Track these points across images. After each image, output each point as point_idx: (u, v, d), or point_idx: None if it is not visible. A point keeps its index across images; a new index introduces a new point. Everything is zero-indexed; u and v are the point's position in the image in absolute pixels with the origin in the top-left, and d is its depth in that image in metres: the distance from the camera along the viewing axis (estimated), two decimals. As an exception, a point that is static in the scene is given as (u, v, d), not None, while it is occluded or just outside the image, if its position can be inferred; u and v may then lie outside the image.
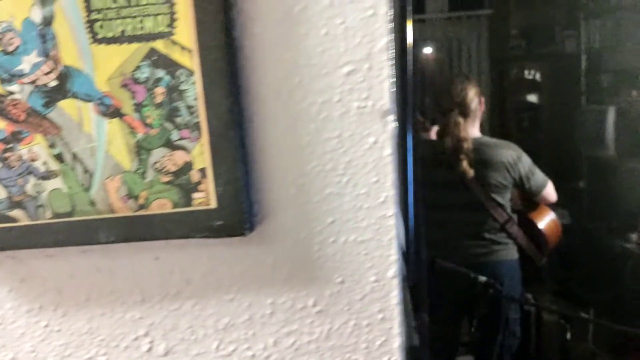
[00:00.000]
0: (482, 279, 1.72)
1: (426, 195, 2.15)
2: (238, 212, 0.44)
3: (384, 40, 0.44)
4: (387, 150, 0.46)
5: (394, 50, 0.45)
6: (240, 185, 0.44)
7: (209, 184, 0.45)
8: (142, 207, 0.45)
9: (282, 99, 0.45)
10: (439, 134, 1.81)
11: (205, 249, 0.47)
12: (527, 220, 1.90)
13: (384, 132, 0.45)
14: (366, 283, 0.48)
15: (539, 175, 1.85)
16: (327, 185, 0.47)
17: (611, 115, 3.44)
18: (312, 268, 0.47)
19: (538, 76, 4.51)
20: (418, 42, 4.51)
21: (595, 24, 3.83)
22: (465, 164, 1.73)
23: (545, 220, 1.92)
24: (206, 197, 0.45)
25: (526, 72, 4.56)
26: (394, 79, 0.47)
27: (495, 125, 4.69)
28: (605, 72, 3.79)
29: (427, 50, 4.71)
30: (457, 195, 1.82)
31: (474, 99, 1.79)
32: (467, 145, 1.73)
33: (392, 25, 0.44)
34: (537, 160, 4.72)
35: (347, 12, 0.44)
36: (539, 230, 1.89)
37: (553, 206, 3.38)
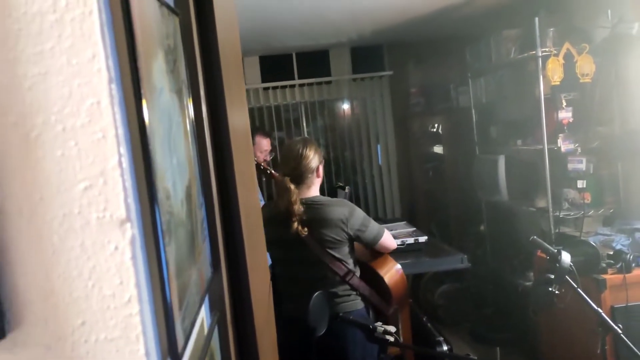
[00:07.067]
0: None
1: (273, 253, 2.21)
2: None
3: (115, 158, 0.50)
4: (128, 255, 0.51)
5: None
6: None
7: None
8: None
9: (25, 215, 0.50)
10: (278, 195, 1.95)
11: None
12: (371, 271, 2.00)
13: (123, 239, 0.51)
14: (119, 378, 0.51)
15: (373, 228, 1.96)
16: (75, 290, 0.51)
17: (501, 163, 3.70)
18: (67, 368, 0.50)
19: (438, 129, 4.79)
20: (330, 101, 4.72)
21: (481, 81, 4.20)
22: (296, 225, 1.86)
23: (389, 271, 2.01)
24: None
25: (427, 125, 4.85)
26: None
27: (403, 177, 4.94)
28: (494, 124, 4.12)
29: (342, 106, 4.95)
30: (298, 252, 1.93)
31: (309, 166, 1.93)
32: (297, 208, 1.86)
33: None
34: (443, 208, 4.92)
35: (79, 136, 0.50)
36: (382, 280, 1.97)
37: (460, 248, 3.53)
